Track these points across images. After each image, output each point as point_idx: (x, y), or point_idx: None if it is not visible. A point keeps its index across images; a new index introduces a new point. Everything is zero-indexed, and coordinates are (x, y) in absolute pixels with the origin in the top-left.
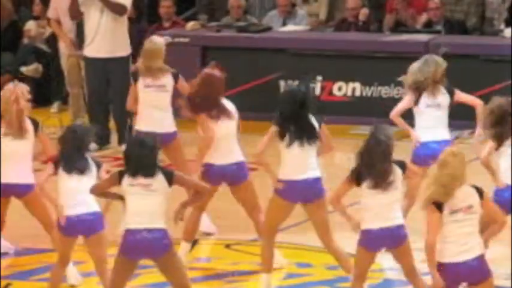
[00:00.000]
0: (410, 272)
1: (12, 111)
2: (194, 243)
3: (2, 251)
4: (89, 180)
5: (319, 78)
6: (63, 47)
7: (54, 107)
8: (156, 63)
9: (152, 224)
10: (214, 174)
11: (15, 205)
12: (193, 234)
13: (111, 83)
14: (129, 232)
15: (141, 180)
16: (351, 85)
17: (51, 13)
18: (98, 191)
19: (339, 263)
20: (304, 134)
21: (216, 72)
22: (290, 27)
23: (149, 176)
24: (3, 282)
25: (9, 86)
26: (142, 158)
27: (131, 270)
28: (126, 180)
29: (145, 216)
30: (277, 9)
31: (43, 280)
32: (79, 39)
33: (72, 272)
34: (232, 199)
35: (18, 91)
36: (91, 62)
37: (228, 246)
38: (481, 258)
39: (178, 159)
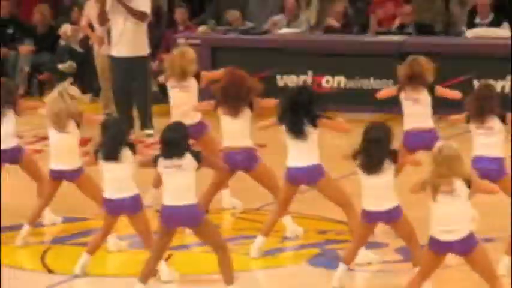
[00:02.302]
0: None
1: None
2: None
3: (49, 222)
4: (128, 165)
5: (310, 73)
6: (97, 48)
7: (86, 99)
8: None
9: (186, 199)
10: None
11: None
12: (207, 206)
13: (133, 78)
14: (167, 207)
15: (175, 161)
16: (337, 78)
17: (84, 19)
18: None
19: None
20: (293, 129)
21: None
22: (288, 30)
23: (180, 157)
24: (44, 247)
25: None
26: (175, 142)
27: (170, 238)
28: (162, 162)
29: (179, 192)
30: (284, 13)
31: (79, 245)
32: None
33: (114, 241)
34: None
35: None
36: (117, 61)
37: (233, 214)
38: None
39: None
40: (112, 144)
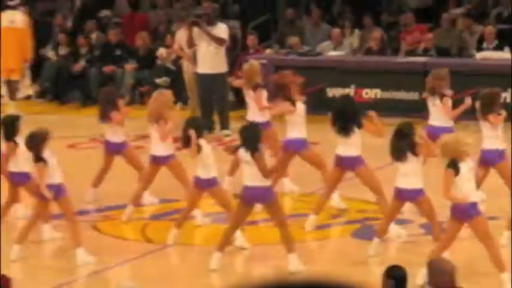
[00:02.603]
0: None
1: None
2: None
3: (148, 203)
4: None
5: (353, 86)
6: (186, 66)
7: (177, 106)
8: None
9: (262, 181)
10: None
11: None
12: None
13: (214, 90)
14: (247, 187)
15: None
16: (374, 91)
17: (176, 44)
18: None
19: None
20: (340, 131)
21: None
22: (335, 53)
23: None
24: (144, 222)
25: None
26: (248, 138)
27: (248, 214)
28: (241, 152)
29: (257, 176)
30: (331, 40)
31: (171, 220)
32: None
33: (200, 217)
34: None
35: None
36: (201, 77)
37: (292, 197)
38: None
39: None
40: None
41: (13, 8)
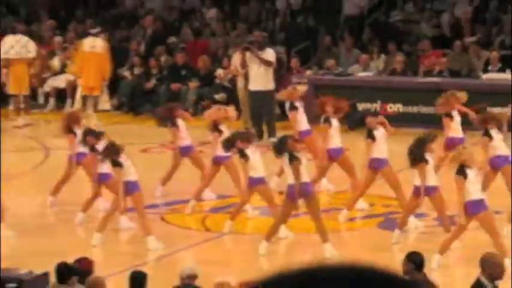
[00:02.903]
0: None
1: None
2: None
3: (208, 198)
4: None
5: (379, 101)
6: (239, 84)
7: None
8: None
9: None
10: None
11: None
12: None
13: (263, 104)
14: (291, 186)
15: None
16: (397, 105)
17: (232, 65)
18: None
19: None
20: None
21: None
22: (364, 73)
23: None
24: (204, 214)
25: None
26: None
27: (292, 209)
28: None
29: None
30: (359, 64)
31: (227, 213)
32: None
33: (250, 210)
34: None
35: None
36: (253, 93)
37: (328, 194)
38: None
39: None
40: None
41: (94, 35)
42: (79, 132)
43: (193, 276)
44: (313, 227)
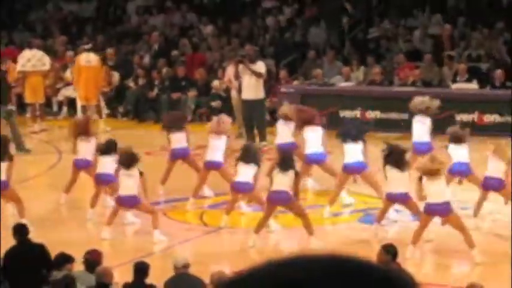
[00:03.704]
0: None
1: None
2: None
3: (206, 195)
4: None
5: (359, 109)
6: (233, 94)
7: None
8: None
9: (279, 186)
10: None
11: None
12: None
13: (254, 112)
14: (272, 191)
15: (283, 172)
16: (375, 112)
17: (226, 77)
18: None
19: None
20: (352, 140)
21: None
22: (345, 84)
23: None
24: (202, 210)
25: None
26: (286, 161)
27: (274, 210)
28: (276, 169)
29: (281, 185)
30: (341, 75)
31: (223, 209)
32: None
33: (244, 207)
34: None
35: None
36: (245, 101)
37: (313, 192)
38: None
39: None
40: None
41: (88, 50)
42: (88, 139)
43: (186, 265)
44: (299, 221)
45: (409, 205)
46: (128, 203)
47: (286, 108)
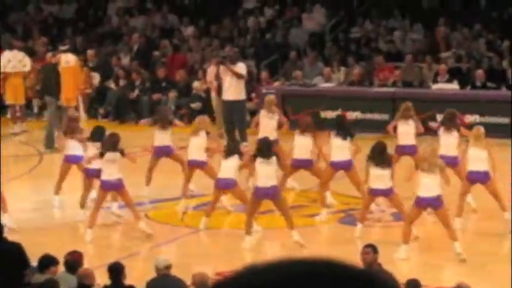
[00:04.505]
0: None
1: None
2: None
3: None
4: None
5: (340, 109)
6: (213, 95)
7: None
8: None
9: (270, 182)
10: None
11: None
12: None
13: (234, 113)
14: (257, 187)
15: (265, 159)
16: (355, 113)
17: (207, 78)
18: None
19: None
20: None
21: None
22: (326, 84)
23: (269, 157)
24: (185, 211)
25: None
26: (265, 147)
27: (259, 206)
28: (258, 159)
29: (267, 178)
30: (322, 76)
31: (204, 210)
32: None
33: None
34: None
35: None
36: (226, 102)
37: (294, 192)
38: None
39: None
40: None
41: (65, 51)
42: (75, 136)
43: (168, 266)
44: (281, 221)
45: (393, 200)
46: (113, 187)
47: (272, 98)
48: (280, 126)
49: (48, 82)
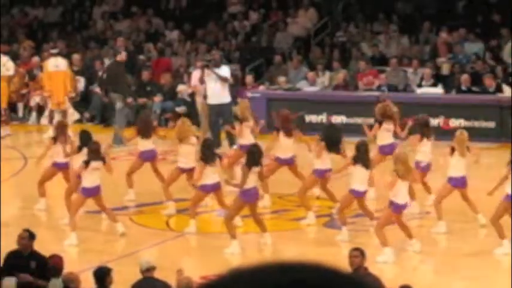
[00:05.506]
0: None
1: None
2: None
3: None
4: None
5: (325, 113)
6: (198, 98)
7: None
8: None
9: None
10: None
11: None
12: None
13: (220, 116)
14: (245, 189)
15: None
16: (341, 117)
17: (192, 81)
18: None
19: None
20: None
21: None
22: (311, 88)
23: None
24: (169, 215)
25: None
26: (256, 154)
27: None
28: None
29: (253, 181)
30: (307, 79)
31: (187, 214)
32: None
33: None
34: None
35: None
36: (210, 106)
37: (277, 196)
38: None
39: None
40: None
41: (55, 55)
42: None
43: (151, 269)
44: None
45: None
46: (92, 194)
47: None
48: (252, 131)
49: (115, 79)
